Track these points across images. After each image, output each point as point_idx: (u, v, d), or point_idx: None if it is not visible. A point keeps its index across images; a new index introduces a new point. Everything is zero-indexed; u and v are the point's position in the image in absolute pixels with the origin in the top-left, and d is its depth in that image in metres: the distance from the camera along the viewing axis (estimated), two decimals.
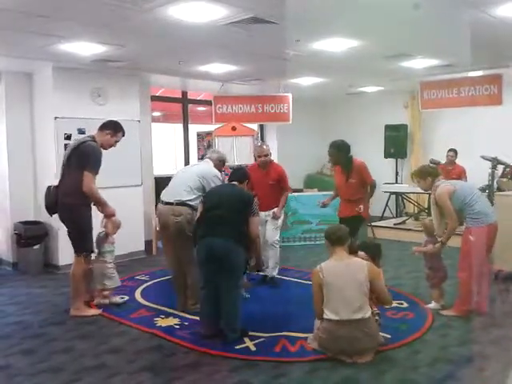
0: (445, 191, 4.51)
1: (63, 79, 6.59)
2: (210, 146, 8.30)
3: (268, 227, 5.79)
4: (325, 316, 3.65)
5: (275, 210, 5.75)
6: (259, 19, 4.46)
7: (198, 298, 4.52)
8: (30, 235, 6.64)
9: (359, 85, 9.19)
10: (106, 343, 4.11)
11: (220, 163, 5.17)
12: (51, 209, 4.83)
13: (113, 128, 4.93)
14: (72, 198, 4.65)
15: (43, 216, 6.86)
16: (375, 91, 9.74)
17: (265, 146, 5.98)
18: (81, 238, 4.78)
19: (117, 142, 5.01)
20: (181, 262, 4.77)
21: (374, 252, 4.26)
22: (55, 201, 4.76)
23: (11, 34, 4.92)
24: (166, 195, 4.81)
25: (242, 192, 4.42)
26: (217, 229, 4.08)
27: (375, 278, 3.72)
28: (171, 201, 4.70)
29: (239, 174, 4.68)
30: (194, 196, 4.69)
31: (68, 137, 6.63)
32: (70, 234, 4.83)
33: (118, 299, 5.12)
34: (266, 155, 5.81)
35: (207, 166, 4.97)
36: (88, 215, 4.78)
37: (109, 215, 4.95)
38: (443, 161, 8.17)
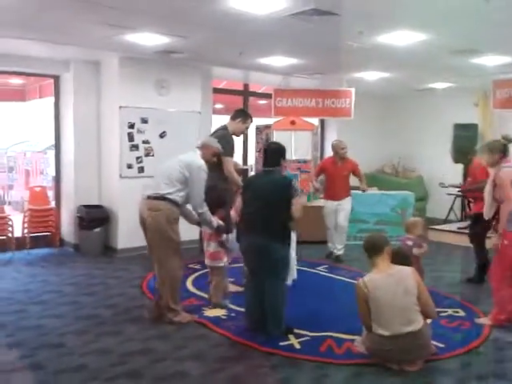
0: (508, 174, 4.28)
1: (129, 69, 6.77)
2: (268, 139, 8.25)
3: (340, 214, 6.74)
4: (374, 331, 3.50)
5: (364, 187, 6.91)
6: (320, 11, 4.35)
7: (173, 309, 4.28)
8: (91, 218, 6.91)
9: (427, 81, 8.82)
10: (155, 328, 4.19)
11: (208, 152, 4.54)
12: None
13: (243, 116, 5.39)
14: (215, 183, 4.73)
15: (105, 200, 7.15)
16: (444, 88, 9.30)
17: (343, 140, 6.94)
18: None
19: (247, 128, 5.48)
20: (160, 266, 4.28)
21: (402, 262, 3.77)
22: None
23: (80, 24, 5.09)
24: (146, 188, 4.39)
25: (278, 179, 4.13)
26: (255, 226, 4.01)
27: (421, 283, 3.54)
28: (150, 194, 4.28)
29: (275, 156, 4.18)
30: (175, 189, 4.21)
31: (131, 126, 6.84)
32: None
33: None
34: (344, 148, 6.72)
35: (191, 156, 4.44)
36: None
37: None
38: None
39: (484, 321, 4.40)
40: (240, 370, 3.51)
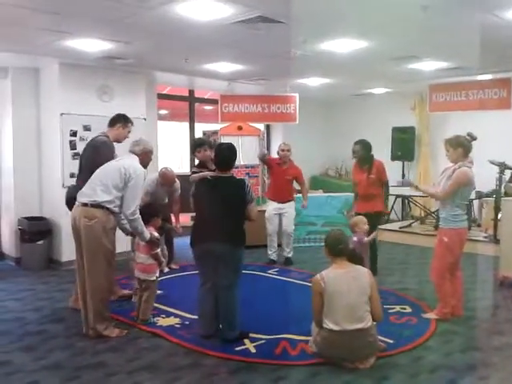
0: (469, 177, 4.43)
1: (70, 76, 6.58)
2: (215, 145, 8.24)
3: (284, 220, 6.70)
4: (325, 325, 3.59)
5: (304, 203, 6.82)
6: (266, 18, 4.43)
7: (103, 322, 4.15)
8: (33, 231, 6.64)
9: (367, 86, 9.14)
10: (106, 341, 4.08)
11: (147, 155, 4.47)
12: (70, 206, 4.79)
13: (122, 120, 4.93)
14: None
15: (47, 212, 6.89)
16: (383, 93, 9.68)
17: (286, 142, 6.92)
18: None
19: (129, 132, 4.99)
20: (87, 276, 4.11)
21: (356, 263, 3.88)
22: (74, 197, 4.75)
23: (19, 30, 4.91)
24: (80, 195, 4.19)
25: (235, 182, 4.09)
26: (214, 230, 3.95)
27: (374, 286, 3.66)
28: (86, 201, 4.10)
29: (231, 159, 4.09)
30: (112, 197, 4.07)
31: (74, 133, 6.65)
32: None
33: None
34: (288, 150, 6.67)
35: (130, 162, 4.25)
36: None
37: None
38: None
39: (430, 315, 4.60)
40: (196, 378, 3.48)
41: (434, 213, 8.98)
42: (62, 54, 5.97)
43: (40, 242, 6.66)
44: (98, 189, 4.08)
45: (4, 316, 4.74)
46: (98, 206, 4.05)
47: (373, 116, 10.51)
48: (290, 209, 6.75)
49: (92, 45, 5.54)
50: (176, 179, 6.28)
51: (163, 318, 4.62)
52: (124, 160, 4.28)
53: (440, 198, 4.53)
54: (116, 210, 4.11)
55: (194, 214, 4.36)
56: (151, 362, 3.72)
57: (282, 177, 6.67)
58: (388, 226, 8.89)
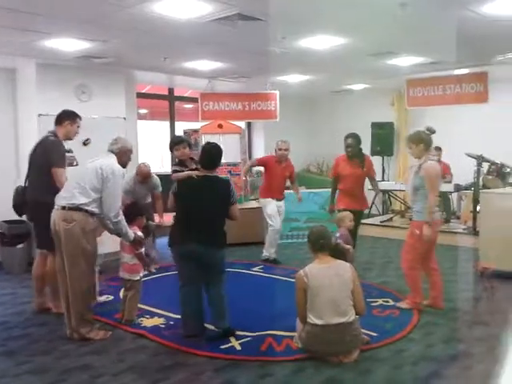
0: (438, 169, 4.54)
1: (47, 76, 6.50)
2: (196, 143, 8.23)
3: (281, 215, 6.78)
4: (309, 320, 3.62)
5: (300, 195, 6.93)
6: (244, 16, 4.44)
7: (86, 325, 4.11)
8: (13, 234, 6.55)
9: (346, 82, 9.21)
10: (90, 344, 4.05)
11: (126, 154, 4.38)
12: (19, 208, 4.80)
13: (70, 117, 4.80)
14: (44, 197, 4.42)
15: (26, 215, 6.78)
16: (361, 89, 9.76)
17: (286, 141, 6.73)
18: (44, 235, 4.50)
19: (78, 128, 4.87)
20: (67, 279, 4.07)
21: (339, 257, 3.94)
22: (24, 200, 4.70)
23: None
24: (58, 198, 4.11)
25: (219, 181, 4.09)
26: (198, 230, 3.94)
27: (356, 280, 3.71)
28: (64, 204, 4.02)
29: (217, 159, 4.12)
30: (90, 199, 4.00)
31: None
32: (40, 232, 4.71)
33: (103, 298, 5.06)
34: (287, 149, 6.61)
35: (107, 162, 4.16)
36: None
37: None
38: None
39: (402, 305, 4.71)
40: (183, 378, 3.48)
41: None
42: (39, 53, 5.91)
43: (20, 246, 6.57)
44: (75, 191, 4.01)
45: None
46: (76, 208, 3.98)
47: (352, 112, 10.59)
48: (283, 207, 6.84)
49: (69, 44, 5.48)
50: (153, 174, 6.31)
51: (147, 318, 4.60)
52: (101, 160, 4.18)
53: (433, 200, 4.47)
54: (96, 210, 4.05)
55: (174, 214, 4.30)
56: (137, 363, 3.70)
57: (281, 174, 6.67)
58: (369, 220, 8.99)
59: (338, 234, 4.74)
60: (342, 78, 8.71)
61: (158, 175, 6.65)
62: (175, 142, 5.25)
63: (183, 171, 4.50)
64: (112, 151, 4.28)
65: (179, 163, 5.01)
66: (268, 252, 6.73)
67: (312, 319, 3.59)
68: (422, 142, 4.52)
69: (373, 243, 7.92)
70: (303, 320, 3.69)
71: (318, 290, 3.59)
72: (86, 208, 4.00)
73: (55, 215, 4.08)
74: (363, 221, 8.70)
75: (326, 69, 7.52)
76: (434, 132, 4.65)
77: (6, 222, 6.62)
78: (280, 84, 8.68)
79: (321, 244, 3.75)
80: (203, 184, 4.02)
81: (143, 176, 6.17)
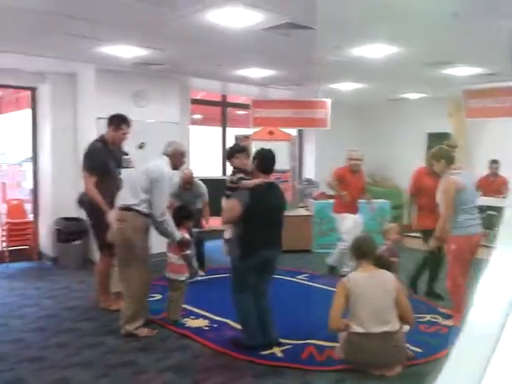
0: (452, 181, 4.46)
1: (106, 81, 6.77)
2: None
3: (357, 231, 6.05)
4: (351, 330, 3.57)
5: (373, 205, 6.55)
6: (295, 24, 4.45)
7: (134, 321, 4.24)
8: (70, 231, 6.85)
9: (401, 91, 9.04)
10: (136, 340, 4.18)
11: (179, 157, 4.47)
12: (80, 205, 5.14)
13: (115, 122, 4.92)
14: (88, 197, 4.86)
15: (83, 213, 7.07)
16: (417, 98, 9.54)
17: (357, 150, 6.38)
18: (97, 235, 4.94)
19: (125, 134, 4.97)
20: (124, 277, 4.28)
21: (387, 269, 3.88)
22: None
23: (56, 37, 5.09)
24: (117, 199, 4.41)
25: (279, 187, 4.17)
26: (272, 239, 4.03)
27: (400, 291, 3.64)
28: (119, 205, 4.30)
29: (273, 165, 4.06)
30: (139, 199, 4.17)
31: None
32: (92, 230, 5.16)
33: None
34: (359, 159, 6.22)
35: (157, 164, 4.31)
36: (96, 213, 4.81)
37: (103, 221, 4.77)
38: (486, 172, 7.97)
39: (449, 323, 4.56)
40: (223, 381, 3.53)
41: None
42: (99, 59, 6.16)
43: (76, 242, 6.86)
44: (127, 193, 4.25)
45: (40, 313, 4.91)
46: (127, 208, 4.20)
47: (407, 121, 10.36)
48: (360, 218, 6.39)
49: (127, 51, 5.69)
50: (200, 182, 6.27)
51: (192, 319, 4.69)
52: (151, 163, 4.35)
53: (446, 215, 4.48)
54: (145, 211, 4.21)
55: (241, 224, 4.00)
56: (179, 363, 3.78)
57: (357, 185, 6.23)
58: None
59: (383, 248, 4.66)
60: (397, 87, 8.56)
61: (207, 179, 6.72)
62: (237, 150, 4.94)
63: (250, 179, 4.27)
64: (166, 154, 4.42)
65: (240, 171, 4.86)
66: (345, 270, 6.09)
67: (354, 328, 3.55)
68: (443, 157, 4.57)
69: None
70: (333, 322, 3.59)
71: (360, 298, 3.55)
72: (137, 208, 4.17)
73: (113, 216, 4.33)
74: (414, 234, 8.53)
75: (380, 77, 7.42)
76: (455, 147, 4.64)
77: (63, 219, 6.94)
78: (332, 92, 8.64)
79: (362, 251, 3.74)
80: (270, 190, 4.04)
81: (185, 181, 6.16)
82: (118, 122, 4.92)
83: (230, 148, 4.66)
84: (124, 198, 4.26)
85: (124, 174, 4.87)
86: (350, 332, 3.59)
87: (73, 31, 4.82)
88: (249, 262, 3.94)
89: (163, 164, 4.33)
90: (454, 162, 4.60)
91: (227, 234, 4.14)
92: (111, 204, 4.62)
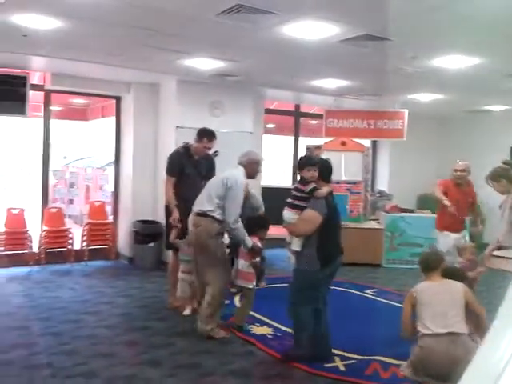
0: None
1: (185, 91, 7.05)
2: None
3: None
4: (420, 332, 3.51)
5: (480, 227, 5.52)
6: (372, 36, 4.43)
7: (211, 323, 4.37)
8: (146, 233, 7.19)
9: (483, 103, 8.64)
10: (204, 343, 4.30)
11: (253, 166, 4.56)
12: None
13: (198, 135, 5.16)
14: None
15: (160, 216, 7.40)
16: (501, 110, 9.07)
17: (461, 162, 5.65)
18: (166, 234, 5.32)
19: (206, 147, 5.13)
20: (203, 280, 4.48)
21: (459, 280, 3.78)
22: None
23: (141, 50, 5.39)
24: (194, 205, 4.54)
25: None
26: (341, 245, 4.09)
27: (471, 300, 3.54)
28: (195, 211, 4.47)
29: (331, 171, 4.13)
30: (215, 206, 4.33)
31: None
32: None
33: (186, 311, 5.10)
34: (463, 170, 5.49)
35: (233, 173, 4.46)
36: (168, 214, 5.12)
37: (170, 222, 5.05)
38: None
39: None
40: None
41: None
42: (179, 71, 6.43)
43: (151, 244, 7.17)
44: (204, 199, 4.41)
45: (113, 311, 5.18)
46: (203, 214, 4.37)
47: (489, 134, 9.86)
48: (465, 237, 5.75)
49: (206, 63, 5.91)
50: (253, 194, 5.98)
51: (257, 326, 4.76)
52: (228, 171, 4.54)
53: None
54: (219, 217, 4.36)
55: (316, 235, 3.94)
56: (243, 368, 3.86)
57: (461, 200, 5.45)
58: (498, 252, 8.26)
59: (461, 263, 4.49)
60: (478, 98, 8.20)
61: (276, 188, 6.72)
62: (309, 163, 4.35)
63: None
64: (241, 163, 4.55)
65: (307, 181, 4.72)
66: None
67: (421, 330, 3.50)
68: (502, 177, 4.47)
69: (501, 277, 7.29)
70: (406, 331, 3.60)
71: (427, 305, 3.53)
72: (212, 214, 4.35)
73: (190, 220, 4.50)
74: (496, 253, 8.11)
75: (460, 88, 7.15)
76: (510, 164, 4.50)
77: (140, 221, 7.29)
78: (410, 102, 8.42)
79: (428, 263, 3.73)
80: (334, 198, 4.11)
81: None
82: (201, 134, 5.15)
83: (301, 159, 4.45)
84: (200, 203, 4.42)
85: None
86: (419, 337, 3.52)
87: (158, 45, 5.09)
88: (326, 272, 3.93)
89: (238, 173, 4.47)
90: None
91: (296, 246, 3.98)
92: (186, 209, 4.78)
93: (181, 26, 4.46)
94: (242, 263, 4.62)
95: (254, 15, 4.00)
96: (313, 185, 3.93)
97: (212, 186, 4.45)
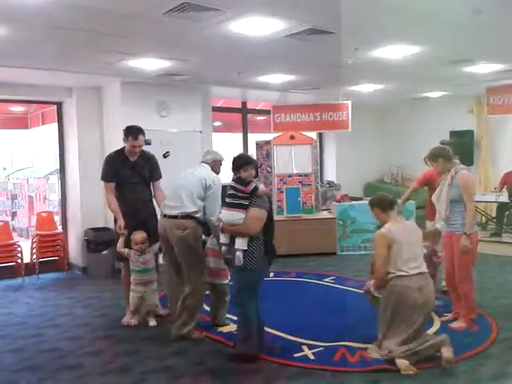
0: (472, 179, 4.57)
1: (130, 93, 6.91)
2: (268, 154, 8.38)
3: None
4: (395, 274, 3.74)
5: None
6: (317, 30, 4.52)
7: (189, 324, 4.37)
8: (99, 241, 6.99)
9: (422, 90, 9.00)
10: (171, 346, 4.25)
11: (217, 164, 4.62)
12: None
13: (123, 135, 4.83)
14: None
15: (111, 223, 7.22)
16: (439, 96, 9.49)
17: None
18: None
19: (133, 146, 4.77)
20: (184, 280, 4.39)
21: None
22: None
23: (82, 52, 5.23)
24: (167, 208, 4.41)
25: None
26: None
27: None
28: (175, 214, 4.31)
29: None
30: (198, 207, 4.30)
31: None
32: None
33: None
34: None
35: (207, 172, 4.45)
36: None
37: (118, 230, 4.83)
38: (509, 168, 7.93)
39: (457, 324, 4.49)
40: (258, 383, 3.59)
41: (494, 218, 8.76)
42: (123, 73, 6.30)
43: (105, 252, 6.99)
44: (185, 201, 4.29)
45: (74, 322, 5.02)
46: (187, 216, 4.28)
47: (429, 120, 10.31)
48: None
49: (151, 64, 5.81)
50: None
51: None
52: (200, 170, 4.46)
53: (473, 209, 4.41)
54: (202, 219, 4.35)
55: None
56: (214, 367, 3.85)
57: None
58: None
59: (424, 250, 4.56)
60: (418, 86, 8.53)
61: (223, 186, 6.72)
62: (246, 162, 4.15)
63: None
64: (205, 161, 4.55)
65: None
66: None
67: (397, 272, 3.74)
68: (439, 157, 4.53)
69: None
70: (381, 274, 3.78)
71: (401, 247, 3.76)
72: (195, 216, 4.30)
73: (166, 223, 4.36)
74: None
75: (401, 77, 7.42)
76: (447, 144, 4.65)
77: (91, 229, 7.10)
78: (352, 94, 8.66)
79: (390, 202, 3.96)
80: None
81: None
82: (125, 134, 4.81)
83: (236, 160, 4.04)
84: (180, 206, 4.29)
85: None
86: (391, 278, 3.75)
87: (100, 47, 4.96)
88: (260, 276, 3.94)
89: (211, 172, 4.48)
90: (451, 158, 4.51)
91: (241, 245, 3.78)
92: (133, 213, 4.76)
93: (125, 27, 4.36)
94: (212, 261, 4.59)
95: (200, 13, 3.99)
96: (253, 184, 3.86)
97: (190, 188, 4.32)
